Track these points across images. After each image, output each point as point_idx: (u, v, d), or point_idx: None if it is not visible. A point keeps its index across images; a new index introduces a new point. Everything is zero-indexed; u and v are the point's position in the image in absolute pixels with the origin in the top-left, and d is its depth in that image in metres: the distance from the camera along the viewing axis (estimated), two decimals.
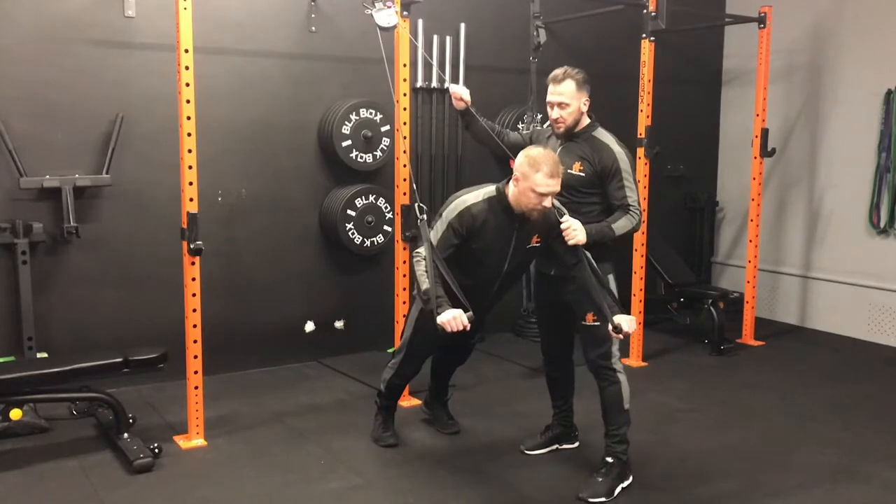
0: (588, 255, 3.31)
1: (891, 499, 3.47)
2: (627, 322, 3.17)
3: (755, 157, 5.76)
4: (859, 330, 6.06)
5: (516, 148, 3.67)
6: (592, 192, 3.50)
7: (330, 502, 3.37)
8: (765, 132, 5.69)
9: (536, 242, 3.45)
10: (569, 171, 3.45)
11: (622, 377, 3.48)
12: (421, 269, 3.31)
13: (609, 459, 3.45)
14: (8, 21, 4.24)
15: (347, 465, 3.72)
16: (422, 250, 3.33)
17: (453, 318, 3.15)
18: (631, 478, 3.49)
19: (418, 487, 3.50)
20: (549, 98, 3.52)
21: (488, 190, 3.41)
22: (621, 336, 3.20)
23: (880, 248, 5.93)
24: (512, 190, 3.33)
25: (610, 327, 3.18)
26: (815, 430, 4.23)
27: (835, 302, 6.24)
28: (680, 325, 6.01)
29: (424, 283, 3.27)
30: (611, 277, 3.49)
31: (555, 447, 3.89)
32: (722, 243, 7.18)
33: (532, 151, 3.27)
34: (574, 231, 3.28)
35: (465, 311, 3.19)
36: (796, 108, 6.46)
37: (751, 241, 5.87)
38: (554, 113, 3.51)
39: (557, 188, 3.24)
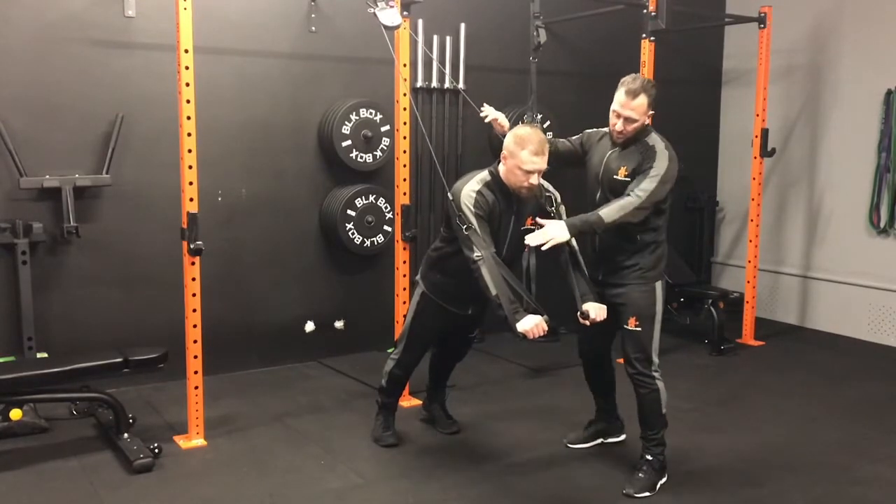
0: (572, 241, 3.39)
1: (891, 499, 3.47)
2: (595, 309, 3.29)
3: (755, 157, 5.76)
4: (859, 330, 6.06)
5: (568, 156, 3.67)
6: None
7: (330, 502, 3.37)
8: (765, 132, 5.69)
9: (531, 225, 3.49)
10: (614, 176, 3.41)
11: (660, 384, 3.46)
12: (485, 273, 3.24)
13: (648, 457, 3.49)
14: (8, 21, 4.24)
15: (347, 465, 3.72)
16: (481, 254, 3.25)
17: (535, 326, 3.13)
18: (666, 476, 3.52)
19: (418, 487, 3.50)
20: (616, 108, 3.35)
21: (482, 176, 3.46)
22: (588, 322, 3.28)
23: (880, 248, 5.93)
24: (502, 169, 3.40)
25: (578, 313, 3.28)
26: (815, 430, 4.23)
27: (835, 302, 6.24)
28: (680, 325, 6.00)
29: (493, 289, 3.22)
30: (658, 286, 3.46)
31: (599, 441, 3.95)
32: (722, 243, 7.18)
33: (520, 130, 3.34)
34: (545, 237, 3.25)
35: (542, 315, 3.17)
36: (796, 108, 6.46)
37: (751, 241, 5.87)
38: (618, 125, 3.36)
39: (543, 166, 3.30)
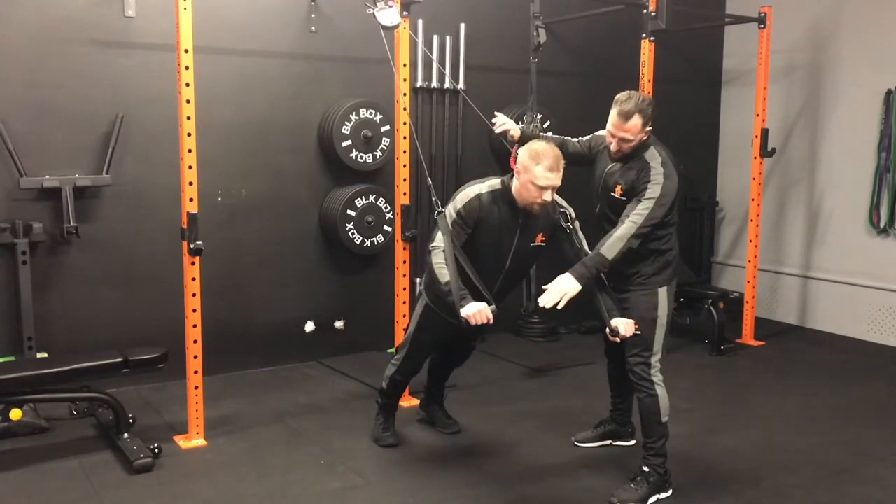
0: None
1: (891, 499, 3.47)
2: (624, 325, 3.27)
3: (755, 157, 5.76)
4: (859, 330, 6.06)
5: (578, 157, 3.67)
6: None
7: (330, 502, 3.37)
8: (765, 132, 5.69)
9: (541, 241, 3.47)
10: (611, 193, 3.41)
11: (660, 390, 3.40)
12: (439, 260, 3.29)
13: (645, 469, 3.42)
14: (8, 21, 4.24)
15: (347, 465, 3.72)
16: (439, 242, 3.31)
17: (478, 312, 3.17)
18: (671, 491, 3.45)
19: (418, 487, 3.50)
20: (611, 129, 3.34)
21: (493, 183, 3.45)
22: (617, 339, 3.29)
23: (880, 248, 5.93)
24: (514, 184, 3.37)
25: (607, 329, 3.27)
26: (815, 430, 4.23)
27: (835, 302, 6.24)
28: (680, 325, 6.00)
29: (445, 276, 3.25)
30: (662, 292, 3.41)
31: (608, 442, 3.94)
32: (722, 243, 7.18)
33: (535, 145, 3.31)
34: (558, 295, 3.20)
35: (489, 304, 3.19)
36: (796, 108, 6.46)
37: (751, 241, 5.87)
38: (613, 144, 3.36)
39: (558, 182, 3.28)
